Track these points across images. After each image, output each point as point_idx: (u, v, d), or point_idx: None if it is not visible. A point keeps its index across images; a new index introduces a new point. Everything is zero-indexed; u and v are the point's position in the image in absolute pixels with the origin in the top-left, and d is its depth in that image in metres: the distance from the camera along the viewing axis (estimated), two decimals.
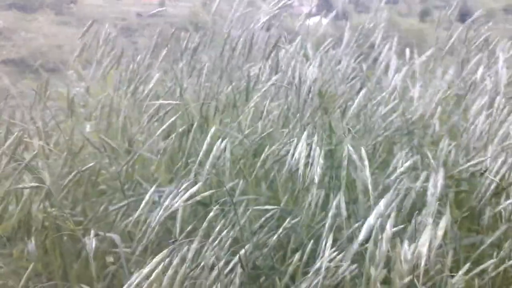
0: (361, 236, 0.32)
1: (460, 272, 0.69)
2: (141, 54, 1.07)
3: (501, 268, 0.77)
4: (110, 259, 1.11)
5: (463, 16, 1.30)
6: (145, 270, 0.65)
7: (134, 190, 1.06)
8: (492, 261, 0.77)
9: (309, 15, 1.16)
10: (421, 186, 0.81)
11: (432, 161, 0.82)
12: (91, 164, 1.04)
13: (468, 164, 0.87)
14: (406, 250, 0.37)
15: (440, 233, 0.41)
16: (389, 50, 1.19)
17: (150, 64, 1.06)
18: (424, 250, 0.37)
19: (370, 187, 0.66)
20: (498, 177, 0.81)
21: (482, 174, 0.86)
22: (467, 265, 0.70)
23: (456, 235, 0.84)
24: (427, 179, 0.81)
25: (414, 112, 1.02)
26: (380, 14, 1.29)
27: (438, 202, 0.80)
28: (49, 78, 1.16)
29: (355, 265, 0.71)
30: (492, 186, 0.81)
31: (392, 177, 0.81)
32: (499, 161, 0.82)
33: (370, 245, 0.31)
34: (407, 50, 1.23)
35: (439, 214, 0.78)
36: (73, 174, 1.00)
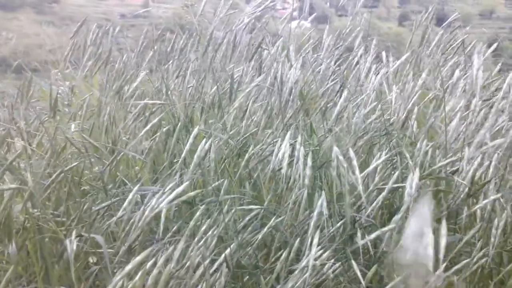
0: (360, 241, 0.33)
1: (438, 272, 0.71)
2: (127, 54, 1.07)
3: (474, 267, 0.80)
4: (93, 260, 1.10)
5: (440, 20, 1.34)
6: (127, 268, 0.66)
7: (118, 190, 1.06)
8: (466, 260, 0.79)
9: (292, 18, 1.18)
10: (399, 186, 0.84)
11: (410, 161, 0.85)
12: (74, 164, 1.03)
13: (443, 162, 0.90)
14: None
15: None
16: (368, 53, 1.22)
17: (137, 64, 1.06)
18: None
19: (361, 187, 0.68)
20: (476, 176, 0.84)
21: (453, 173, 0.89)
22: (444, 265, 0.73)
23: (435, 234, 0.86)
24: (405, 179, 0.83)
25: (393, 113, 1.05)
26: (360, 18, 1.31)
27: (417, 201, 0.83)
28: (32, 77, 1.15)
29: (339, 263, 0.73)
30: (467, 188, 0.84)
31: (371, 174, 0.84)
32: (475, 162, 0.85)
33: (359, 241, 0.32)
34: (384, 53, 1.26)
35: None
36: (56, 174, 1.00)
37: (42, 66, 1.65)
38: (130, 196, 0.76)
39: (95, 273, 1.02)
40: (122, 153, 1.07)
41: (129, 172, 1.19)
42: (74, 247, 0.78)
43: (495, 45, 1.18)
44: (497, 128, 0.91)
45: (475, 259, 0.82)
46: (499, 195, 0.83)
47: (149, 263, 0.69)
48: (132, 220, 0.75)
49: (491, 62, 1.19)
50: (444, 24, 1.18)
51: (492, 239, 0.79)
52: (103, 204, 0.98)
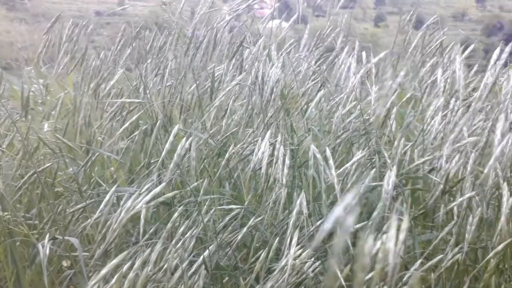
0: (327, 226, 0.33)
1: (412, 268, 0.72)
2: (104, 52, 1.04)
3: (448, 263, 0.81)
4: (67, 263, 1.08)
5: (414, 22, 1.36)
6: (103, 271, 0.64)
7: (93, 192, 1.04)
8: (440, 256, 0.80)
9: (271, 18, 1.18)
10: (378, 184, 0.84)
11: (388, 159, 0.85)
12: (47, 165, 1.00)
13: (420, 161, 0.91)
14: (372, 245, 0.39)
15: (404, 226, 0.42)
16: (347, 53, 1.23)
17: (114, 62, 1.04)
18: (391, 245, 0.39)
19: (336, 186, 0.68)
20: (451, 175, 0.85)
21: (430, 171, 0.90)
22: (419, 261, 0.73)
23: (413, 232, 0.87)
24: (383, 178, 0.84)
25: (372, 113, 1.06)
26: (341, 19, 1.32)
27: (395, 200, 0.84)
28: (2, 75, 1.11)
29: (318, 262, 0.72)
30: (442, 186, 0.85)
31: (348, 170, 0.84)
32: (453, 161, 0.86)
33: (336, 239, 0.31)
34: (364, 53, 1.27)
35: (396, 211, 0.81)
36: (28, 175, 0.97)
37: (14, 64, 1.60)
38: (106, 198, 0.74)
39: (69, 277, 0.99)
40: (97, 154, 1.04)
41: (105, 173, 1.16)
42: (47, 251, 0.75)
43: (472, 46, 1.20)
44: (474, 128, 0.93)
45: (449, 255, 0.83)
46: (473, 192, 0.84)
47: (126, 266, 0.67)
48: (108, 223, 0.73)
49: (463, 64, 1.22)
50: (424, 26, 1.20)
51: (466, 236, 0.80)
52: (78, 206, 0.96)
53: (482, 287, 0.76)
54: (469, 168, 0.83)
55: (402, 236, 0.42)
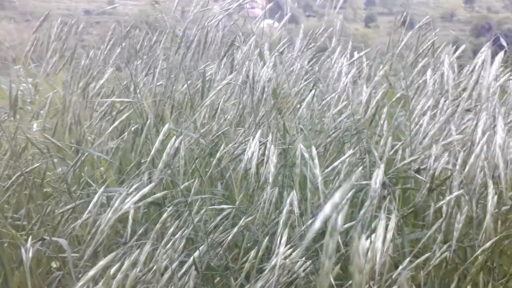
0: (316, 225, 0.33)
1: (400, 267, 0.72)
2: (93, 51, 1.03)
3: (437, 261, 0.82)
4: (56, 264, 1.06)
5: (404, 22, 1.36)
6: (91, 272, 0.63)
7: (83, 192, 1.03)
8: (427, 254, 0.81)
9: (263, 17, 1.18)
10: (367, 183, 0.84)
11: (377, 158, 0.85)
12: (36, 166, 0.99)
13: (407, 160, 0.91)
14: (363, 244, 0.39)
15: (392, 225, 0.42)
16: (340, 53, 1.23)
17: (104, 61, 1.03)
18: (379, 244, 0.39)
19: (320, 186, 0.68)
20: (438, 173, 0.86)
21: (418, 171, 0.91)
22: (408, 259, 0.74)
23: (402, 230, 0.88)
24: (371, 176, 0.84)
25: (363, 113, 1.06)
26: (329, 19, 1.33)
27: (385, 199, 0.84)
28: None
29: (309, 261, 0.72)
30: (429, 184, 0.85)
31: (339, 169, 0.84)
32: (442, 160, 0.86)
33: (326, 238, 0.31)
34: (356, 54, 1.27)
35: (384, 210, 0.82)
36: (16, 176, 0.95)
37: (2, 63, 1.58)
38: (95, 199, 0.73)
39: (58, 278, 0.98)
40: (87, 153, 1.03)
41: (95, 173, 1.15)
42: (31, 254, 0.74)
43: (463, 46, 1.21)
44: (463, 127, 0.93)
45: (438, 253, 0.83)
46: (461, 191, 0.84)
47: (115, 267, 0.66)
48: (97, 223, 0.72)
49: (455, 64, 1.22)
50: (416, 27, 1.20)
51: (454, 233, 0.81)
52: (67, 207, 0.95)
53: (469, 284, 0.77)
54: (457, 167, 0.84)
55: (389, 235, 0.43)
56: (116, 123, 0.91)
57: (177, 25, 1.09)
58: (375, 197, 0.71)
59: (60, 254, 0.96)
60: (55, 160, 1.07)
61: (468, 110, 0.96)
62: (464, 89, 1.12)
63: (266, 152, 0.74)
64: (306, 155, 0.74)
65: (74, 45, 1.04)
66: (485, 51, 0.87)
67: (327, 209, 0.31)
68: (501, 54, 0.75)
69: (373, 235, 0.42)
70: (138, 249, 0.69)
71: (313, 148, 0.74)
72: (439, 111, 0.92)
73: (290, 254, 0.68)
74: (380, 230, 0.39)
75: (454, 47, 1.19)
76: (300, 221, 0.78)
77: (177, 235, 0.74)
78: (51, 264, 1.08)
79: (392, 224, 0.42)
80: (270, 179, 0.73)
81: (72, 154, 1.08)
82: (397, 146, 1.00)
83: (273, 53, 0.94)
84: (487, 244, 0.69)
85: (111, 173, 1.09)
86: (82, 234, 1.03)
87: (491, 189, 0.75)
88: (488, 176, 0.81)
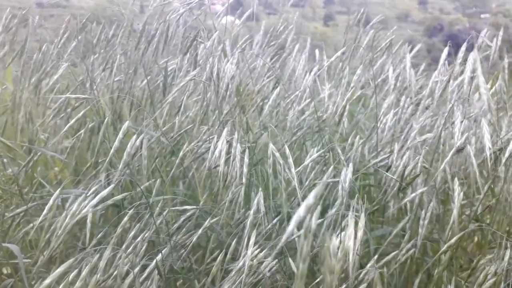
0: (290, 227, 0.32)
1: (369, 265, 0.73)
2: (46, 45, 0.98)
3: (403, 258, 0.83)
4: (7, 271, 1.00)
5: (359, 21, 1.38)
6: (47, 280, 0.59)
7: (36, 194, 0.97)
8: (394, 253, 0.82)
9: (224, 13, 1.16)
10: (332, 181, 0.84)
11: (342, 157, 0.86)
12: None
13: (376, 160, 0.92)
14: (335, 244, 0.38)
15: (361, 224, 0.42)
16: (299, 51, 1.23)
17: (58, 55, 0.97)
18: (351, 243, 0.38)
19: (296, 184, 0.67)
20: (405, 171, 0.87)
21: (384, 168, 0.92)
22: (375, 257, 0.74)
23: (366, 227, 0.88)
24: (337, 174, 0.84)
25: (325, 110, 1.06)
26: (288, 17, 1.33)
27: (348, 196, 0.84)
28: None
29: (275, 261, 0.71)
30: (393, 182, 0.86)
31: (305, 170, 0.83)
32: (404, 157, 0.88)
33: (300, 239, 0.30)
34: (317, 51, 1.28)
35: (349, 207, 0.82)
36: None
37: None
38: (50, 202, 0.69)
39: (10, 285, 0.92)
40: (40, 153, 0.98)
41: (49, 174, 1.10)
42: None
43: (418, 45, 1.24)
44: (423, 124, 0.95)
45: (403, 250, 0.84)
46: (425, 188, 0.86)
47: (73, 274, 0.63)
48: (52, 227, 0.68)
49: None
50: (369, 25, 1.22)
51: (420, 230, 0.82)
52: (18, 210, 0.89)
53: (435, 279, 0.78)
54: (419, 165, 0.85)
55: (360, 234, 0.42)
56: (71, 121, 0.86)
57: (135, 19, 1.05)
58: (344, 195, 0.71)
59: (11, 260, 0.90)
60: (5, 160, 1.00)
61: (427, 108, 0.98)
62: (422, 87, 1.15)
63: (232, 150, 0.72)
64: (277, 154, 0.73)
65: (25, 38, 0.98)
66: (445, 51, 0.89)
67: (301, 211, 0.30)
68: (460, 54, 0.76)
69: (342, 234, 0.42)
70: (97, 254, 0.65)
71: (286, 147, 0.73)
72: (400, 109, 0.93)
73: (257, 255, 0.67)
74: (351, 229, 0.39)
75: (410, 46, 1.22)
76: (266, 220, 0.77)
77: (138, 238, 0.71)
78: (1, 270, 1.02)
79: (362, 222, 0.42)
80: (244, 180, 0.71)
81: (24, 154, 1.02)
82: (359, 144, 1.01)
83: (236, 50, 0.92)
84: (453, 240, 0.70)
85: (66, 174, 1.04)
86: (36, 237, 0.97)
87: (456, 186, 0.76)
88: (449, 173, 0.83)
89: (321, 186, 0.32)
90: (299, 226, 0.80)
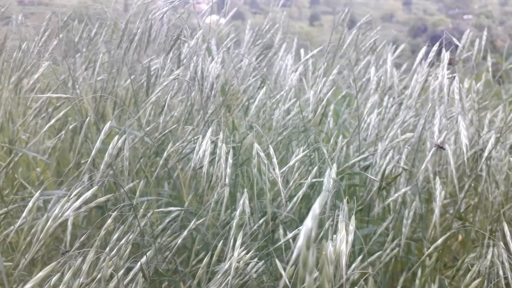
0: (300, 242, 0.31)
1: (354, 265, 0.73)
2: (27, 43, 0.95)
3: (387, 258, 0.83)
4: None
5: (348, 21, 1.39)
6: (29, 285, 0.58)
7: (17, 196, 0.95)
8: (378, 253, 0.82)
9: (209, 12, 1.15)
10: (317, 181, 0.84)
11: (327, 156, 0.86)
12: None
13: (357, 158, 0.93)
14: (330, 250, 0.37)
15: (352, 227, 0.42)
16: (285, 51, 1.23)
17: (39, 54, 0.95)
18: (343, 247, 0.38)
19: (281, 185, 0.66)
20: (387, 171, 0.87)
21: (366, 169, 0.93)
22: (360, 257, 0.75)
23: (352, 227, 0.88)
24: (321, 174, 0.84)
25: (310, 110, 1.06)
26: (275, 16, 1.32)
27: (334, 196, 0.84)
28: None
29: (261, 262, 0.71)
30: (378, 183, 0.87)
31: (290, 170, 0.83)
32: (387, 157, 0.88)
33: (303, 251, 0.29)
34: (302, 51, 1.28)
35: (334, 207, 0.82)
36: None
37: None
38: (30, 204, 0.68)
39: None
40: (21, 154, 0.96)
41: (30, 175, 1.08)
42: None
43: (402, 45, 1.25)
44: (405, 124, 0.96)
45: (388, 250, 0.85)
46: (408, 187, 0.87)
47: (55, 278, 0.61)
48: (33, 230, 0.67)
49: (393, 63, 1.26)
50: (356, 25, 1.23)
51: (403, 229, 0.83)
52: None
53: (420, 279, 0.79)
54: (402, 164, 0.86)
55: (351, 237, 0.42)
56: (52, 121, 0.85)
57: (119, 18, 1.04)
58: (328, 196, 0.71)
59: None
60: None
61: (410, 108, 0.99)
62: (405, 87, 1.16)
63: (218, 151, 0.71)
64: (262, 154, 0.72)
65: (5, 36, 0.95)
66: (423, 51, 0.90)
67: (308, 222, 0.29)
68: (446, 55, 0.77)
69: (334, 237, 0.41)
70: (81, 257, 0.64)
71: (271, 147, 0.73)
72: (383, 109, 0.93)
73: (243, 256, 0.67)
74: (343, 233, 0.38)
75: (394, 46, 1.23)
76: (251, 220, 0.77)
77: (122, 241, 0.70)
78: None
79: (352, 226, 0.42)
80: (227, 180, 0.70)
81: (4, 154, 1.00)
82: (343, 143, 1.01)
83: (221, 49, 0.91)
84: (439, 241, 0.71)
85: (48, 175, 1.02)
86: (17, 240, 0.95)
87: (438, 185, 0.77)
88: (431, 172, 0.84)
89: (324, 193, 0.32)
90: (284, 227, 0.80)
